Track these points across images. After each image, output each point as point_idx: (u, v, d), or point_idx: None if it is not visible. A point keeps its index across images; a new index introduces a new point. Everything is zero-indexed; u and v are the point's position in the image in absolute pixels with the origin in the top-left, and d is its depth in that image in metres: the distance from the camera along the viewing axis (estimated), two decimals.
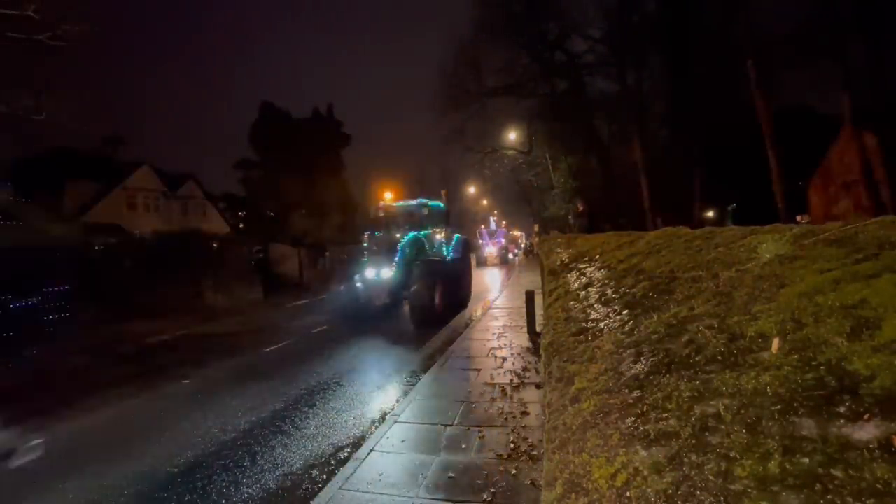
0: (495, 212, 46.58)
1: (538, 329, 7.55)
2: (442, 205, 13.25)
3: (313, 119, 31.44)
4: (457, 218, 42.68)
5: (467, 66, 24.32)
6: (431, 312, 9.64)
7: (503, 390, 5.32)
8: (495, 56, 24.10)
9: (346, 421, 5.03)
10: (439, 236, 12.54)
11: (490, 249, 28.95)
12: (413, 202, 12.72)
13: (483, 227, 32.83)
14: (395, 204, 12.98)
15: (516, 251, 38.43)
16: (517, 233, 57.29)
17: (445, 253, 12.31)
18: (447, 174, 41.81)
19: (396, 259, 10.31)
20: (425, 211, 12.15)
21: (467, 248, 14.09)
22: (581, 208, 10.03)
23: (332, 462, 4.07)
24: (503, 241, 31.01)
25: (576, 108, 23.08)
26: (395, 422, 4.59)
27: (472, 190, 39.14)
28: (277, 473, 3.91)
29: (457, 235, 13.34)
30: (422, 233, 11.61)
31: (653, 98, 22.52)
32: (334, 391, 6.03)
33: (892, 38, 15.99)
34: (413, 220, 12.18)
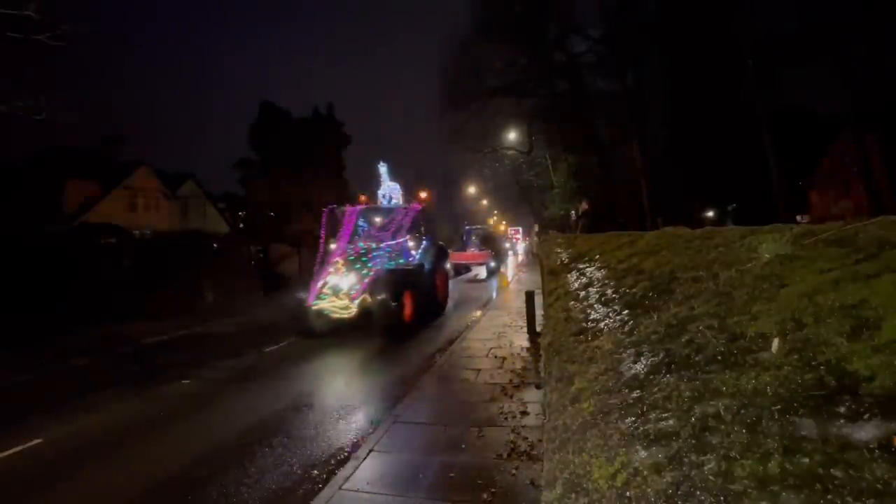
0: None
1: (538, 329, 7.56)
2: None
3: (313, 119, 31.34)
4: (457, 218, 42.51)
5: (467, 66, 24.31)
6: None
7: (503, 389, 5.33)
8: (495, 56, 24.12)
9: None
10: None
11: (337, 281, 8.92)
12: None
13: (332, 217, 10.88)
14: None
15: (491, 263, 21.74)
16: (512, 228, 41.72)
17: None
18: (448, 174, 41.67)
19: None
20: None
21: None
22: (586, 207, 9.83)
23: None
24: (417, 253, 11.30)
25: (576, 108, 23.09)
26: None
27: (472, 190, 39.03)
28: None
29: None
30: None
31: (653, 98, 22.55)
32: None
33: (892, 37, 16.00)
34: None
